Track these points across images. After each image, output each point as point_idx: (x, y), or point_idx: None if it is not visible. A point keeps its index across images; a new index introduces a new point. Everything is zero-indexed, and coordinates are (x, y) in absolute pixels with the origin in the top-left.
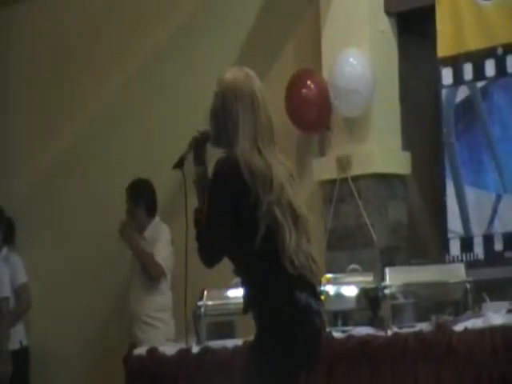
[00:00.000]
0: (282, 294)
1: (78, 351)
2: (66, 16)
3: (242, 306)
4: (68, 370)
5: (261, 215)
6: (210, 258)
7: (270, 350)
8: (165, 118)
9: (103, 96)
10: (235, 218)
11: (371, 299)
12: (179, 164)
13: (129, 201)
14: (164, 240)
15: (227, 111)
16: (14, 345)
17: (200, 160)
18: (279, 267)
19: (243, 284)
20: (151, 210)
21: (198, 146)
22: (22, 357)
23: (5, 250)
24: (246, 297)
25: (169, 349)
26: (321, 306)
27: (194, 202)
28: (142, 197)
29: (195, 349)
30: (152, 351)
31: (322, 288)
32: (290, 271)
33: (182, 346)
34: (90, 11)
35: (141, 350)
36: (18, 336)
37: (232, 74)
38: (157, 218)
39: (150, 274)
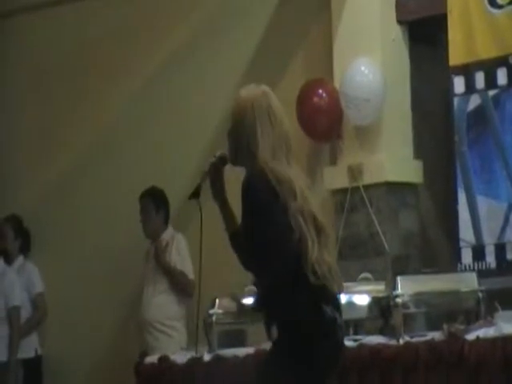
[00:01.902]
0: (308, 307)
1: (91, 360)
2: (70, 27)
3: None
4: (80, 378)
5: (291, 222)
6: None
7: (291, 361)
8: (174, 129)
9: (114, 106)
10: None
11: (383, 308)
12: (195, 194)
13: (148, 206)
14: (186, 253)
15: (246, 126)
16: (28, 353)
17: (218, 184)
18: (303, 279)
19: (263, 296)
20: (167, 219)
21: (216, 170)
22: (36, 365)
23: (20, 259)
24: (265, 308)
25: (180, 357)
26: (342, 319)
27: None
28: (162, 204)
29: (207, 357)
30: (163, 359)
31: None
32: (313, 282)
33: (194, 354)
34: (94, 22)
35: (152, 359)
36: (32, 344)
37: (249, 91)
38: (170, 227)
39: (186, 292)
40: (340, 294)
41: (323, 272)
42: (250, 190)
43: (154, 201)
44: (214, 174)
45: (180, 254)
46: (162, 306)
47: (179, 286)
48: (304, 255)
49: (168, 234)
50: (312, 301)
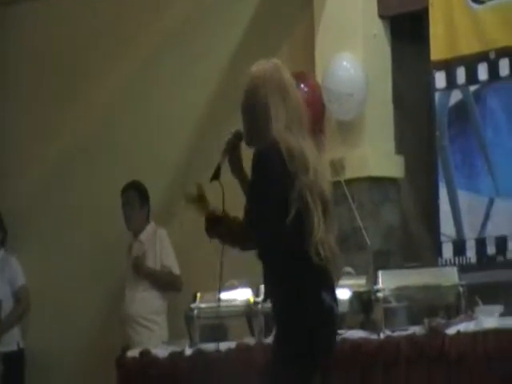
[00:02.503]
0: (307, 292)
1: (73, 353)
2: (65, 16)
3: (234, 309)
4: (63, 371)
5: (293, 198)
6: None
7: (287, 350)
8: (164, 122)
9: (103, 98)
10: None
11: (364, 302)
12: (216, 175)
13: (133, 200)
14: (170, 249)
15: (259, 100)
16: (11, 346)
17: (236, 161)
18: (305, 260)
19: (266, 274)
20: (149, 213)
21: (233, 146)
22: (18, 358)
23: (1, 252)
24: (267, 288)
25: (161, 351)
26: (338, 309)
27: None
28: (146, 198)
29: (188, 351)
30: (145, 353)
31: None
32: (316, 263)
33: (175, 348)
34: (87, 12)
35: (134, 353)
36: (15, 337)
37: (260, 65)
38: (152, 222)
39: (174, 288)
40: (339, 278)
41: (326, 254)
42: (260, 160)
43: (139, 195)
44: (231, 150)
45: (164, 249)
46: (146, 300)
47: (167, 285)
48: (308, 234)
49: (150, 228)
50: (312, 286)
